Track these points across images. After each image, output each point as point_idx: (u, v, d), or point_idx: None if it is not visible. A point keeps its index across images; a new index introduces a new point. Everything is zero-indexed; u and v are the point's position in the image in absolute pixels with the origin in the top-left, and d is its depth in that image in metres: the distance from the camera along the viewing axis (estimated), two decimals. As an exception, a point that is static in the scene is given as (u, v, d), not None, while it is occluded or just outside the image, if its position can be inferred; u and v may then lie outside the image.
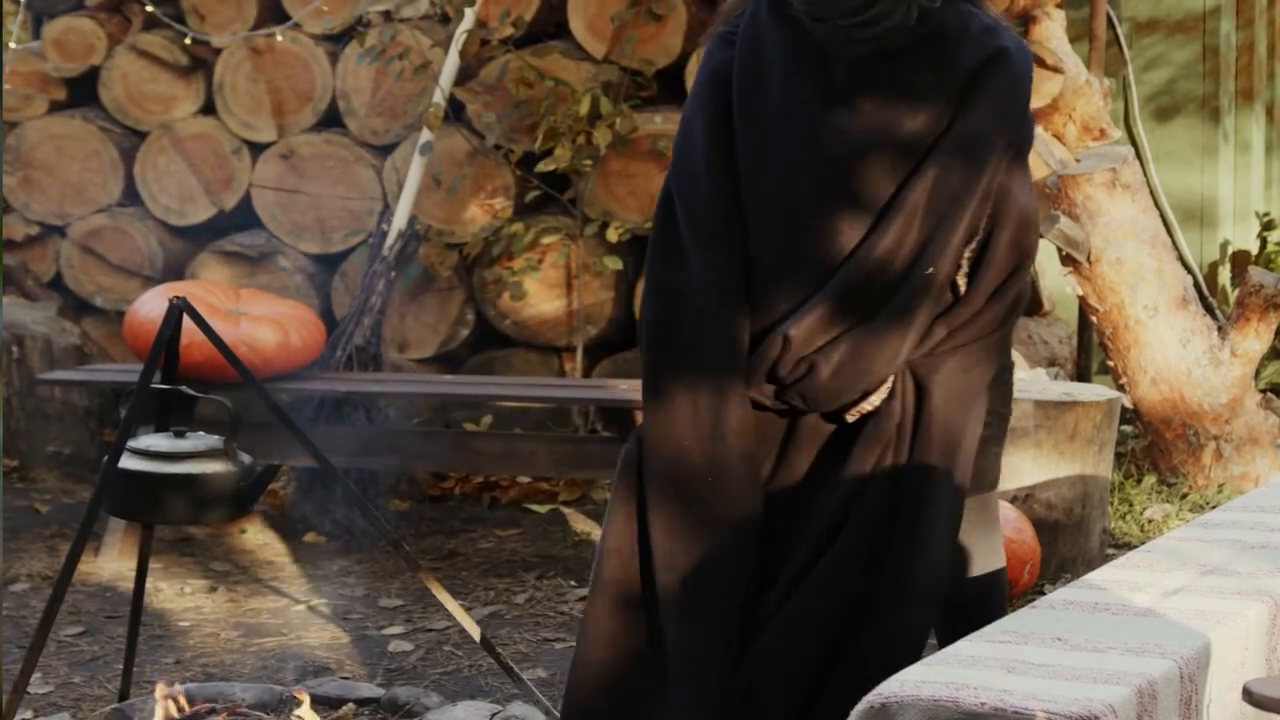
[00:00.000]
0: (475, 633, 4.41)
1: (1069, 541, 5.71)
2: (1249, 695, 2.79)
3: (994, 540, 3.77)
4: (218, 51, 7.47)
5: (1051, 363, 7.09)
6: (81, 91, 7.77)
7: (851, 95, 3.49)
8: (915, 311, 3.48)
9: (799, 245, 3.52)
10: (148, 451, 4.12)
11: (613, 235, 6.80)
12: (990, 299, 3.55)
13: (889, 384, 3.53)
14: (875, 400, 3.53)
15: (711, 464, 3.55)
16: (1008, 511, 5.43)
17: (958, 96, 3.48)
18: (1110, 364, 6.68)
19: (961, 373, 3.56)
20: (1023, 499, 5.67)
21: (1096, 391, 5.87)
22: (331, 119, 7.36)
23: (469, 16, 6.86)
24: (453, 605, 4.40)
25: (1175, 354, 6.52)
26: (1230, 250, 8.07)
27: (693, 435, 3.55)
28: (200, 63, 7.55)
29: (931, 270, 3.47)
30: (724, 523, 3.54)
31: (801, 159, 3.51)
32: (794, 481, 3.59)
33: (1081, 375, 7.29)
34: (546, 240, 6.90)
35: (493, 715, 4.38)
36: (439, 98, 6.85)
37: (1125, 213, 6.53)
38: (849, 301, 3.48)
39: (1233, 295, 7.61)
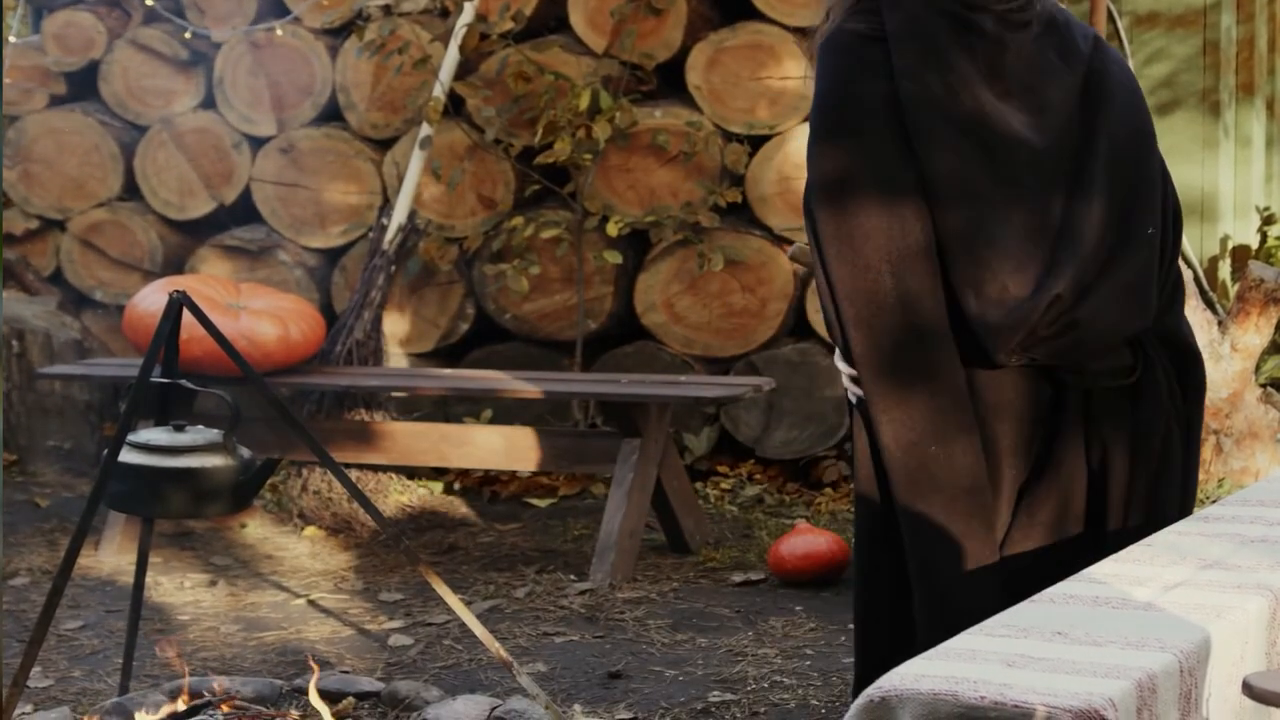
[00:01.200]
0: (475, 627, 4.41)
1: (1069, 536, 5.70)
2: (1249, 689, 2.79)
3: None
4: (217, 46, 7.46)
5: (1051, 357, 7.09)
6: (81, 86, 7.77)
7: (1017, 74, 3.76)
8: (1152, 267, 3.86)
9: (1010, 219, 3.74)
10: (147, 445, 4.12)
11: (612, 229, 6.80)
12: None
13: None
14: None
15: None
16: (1008, 506, 5.43)
17: (1083, 76, 3.80)
18: (1110, 358, 6.67)
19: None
20: (1023, 493, 5.67)
21: (1096, 386, 5.87)
22: (331, 113, 7.36)
23: (469, 10, 6.86)
24: (452, 599, 4.41)
25: (1175, 348, 6.52)
26: (1230, 245, 8.07)
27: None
28: (200, 57, 7.55)
29: (1152, 231, 3.85)
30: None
31: (998, 139, 3.74)
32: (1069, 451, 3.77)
33: (1081, 370, 7.29)
34: (546, 234, 6.90)
35: (492, 709, 4.38)
36: (439, 92, 6.85)
37: (1125, 207, 6.52)
38: (1089, 263, 3.74)
39: (1233, 290, 7.61)
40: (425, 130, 6.87)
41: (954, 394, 3.76)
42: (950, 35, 3.80)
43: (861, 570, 3.87)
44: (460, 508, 6.68)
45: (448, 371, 6.77)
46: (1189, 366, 3.95)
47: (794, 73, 6.77)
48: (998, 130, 3.77)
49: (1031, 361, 3.71)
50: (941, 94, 3.76)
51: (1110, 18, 7.68)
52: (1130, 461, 3.80)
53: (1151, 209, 3.90)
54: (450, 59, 6.89)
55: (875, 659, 3.78)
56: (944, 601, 3.74)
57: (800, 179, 6.76)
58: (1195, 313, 6.57)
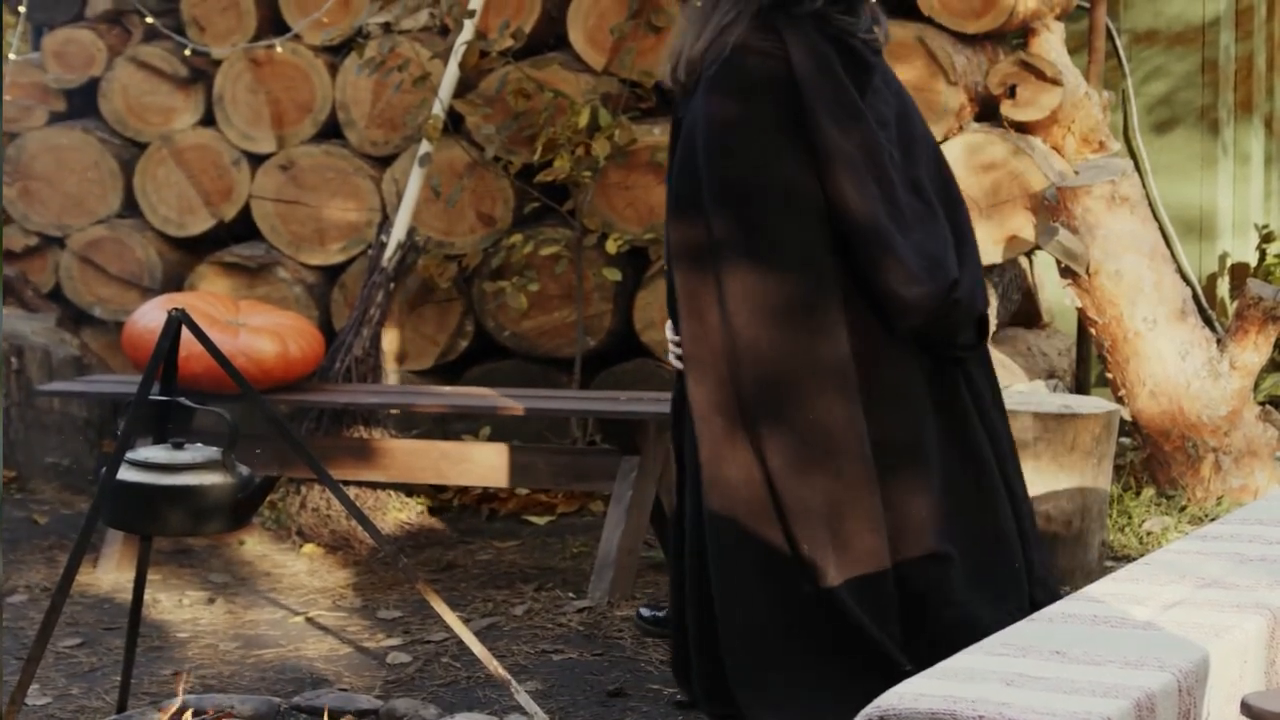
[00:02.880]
0: (473, 645, 4.40)
1: (1067, 554, 5.70)
2: (1247, 709, 2.79)
3: None
4: (217, 63, 7.47)
5: (1050, 375, 7.09)
6: (81, 103, 7.78)
7: (880, 92, 4.64)
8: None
9: (908, 213, 4.56)
10: (146, 463, 4.12)
11: (611, 247, 6.80)
12: None
13: None
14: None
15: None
16: (1006, 524, 5.43)
17: (899, 92, 4.75)
18: (1109, 376, 6.68)
19: None
20: (1021, 511, 5.67)
21: (1095, 404, 5.87)
22: (331, 130, 7.37)
23: (468, 28, 6.87)
24: (450, 617, 4.40)
25: (1174, 366, 6.53)
26: (1229, 262, 8.08)
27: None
28: (200, 74, 7.56)
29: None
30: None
31: (881, 144, 4.55)
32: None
33: (1080, 387, 7.29)
34: (545, 252, 6.90)
35: (491, 727, 4.38)
36: (438, 109, 6.85)
37: (1124, 225, 6.53)
38: (959, 246, 4.63)
39: (1232, 307, 7.61)
40: (425, 147, 6.88)
41: (843, 373, 4.44)
42: (838, 57, 4.55)
43: (731, 548, 4.42)
44: (458, 525, 6.68)
45: (446, 389, 6.77)
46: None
47: (793, 90, 6.77)
48: (877, 139, 4.54)
49: (922, 335, 4.51)
50: (838, 111, 4.49)
51: (1109, 35, 7.69)
52: (988, 400, 4.69)
53: (963, 205, 4.77)
54: (450, 76, 6.90)
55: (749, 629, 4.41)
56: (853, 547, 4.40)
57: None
58: (1194, 330, 6.58)
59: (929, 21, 6.75)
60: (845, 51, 4.56)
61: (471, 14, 6.87)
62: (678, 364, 4.58)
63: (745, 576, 4.43)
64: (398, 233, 6.85)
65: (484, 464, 6.19)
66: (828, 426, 4.44)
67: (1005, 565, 4.57)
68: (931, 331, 4.53)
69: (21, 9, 7.74)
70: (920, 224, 4.57)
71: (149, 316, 6.24)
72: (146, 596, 5.11)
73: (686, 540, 4.57)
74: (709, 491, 4.46)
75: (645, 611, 5.31)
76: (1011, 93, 6.75)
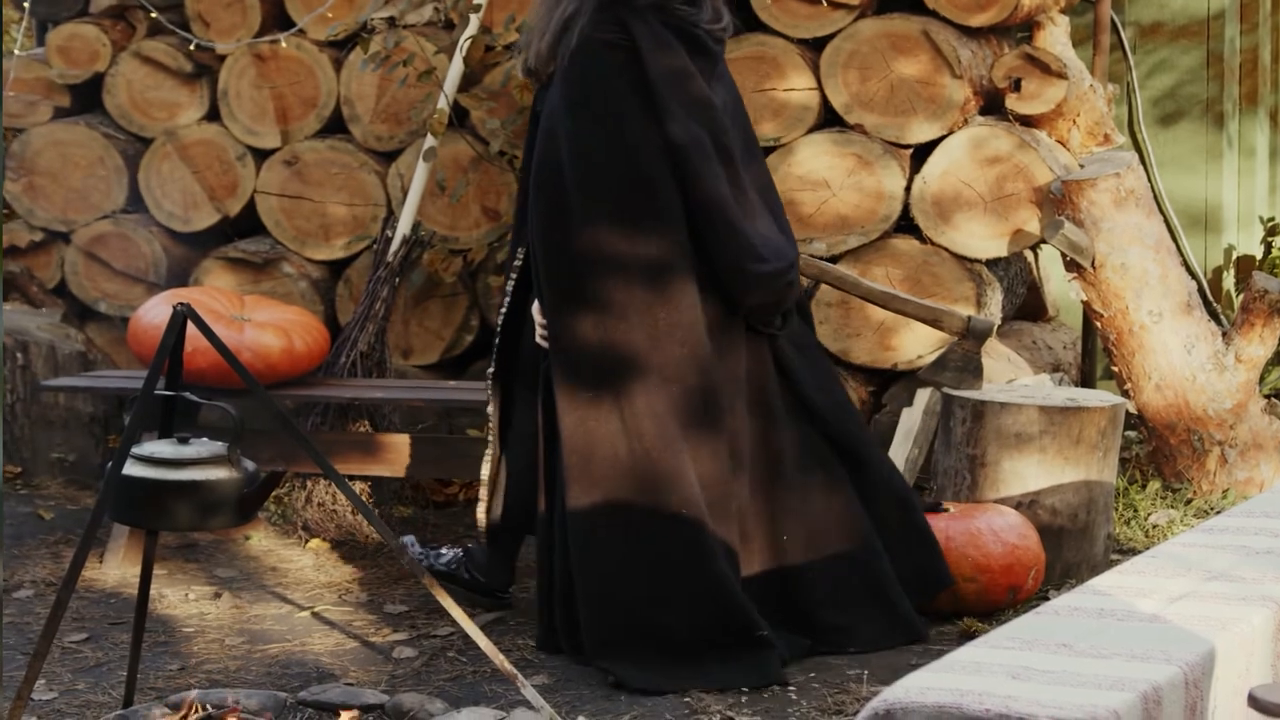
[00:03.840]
0: (479, 639, 4.40)
1: (1074, 547, 5.70)
2: (1255, 701, 2.79)
3: None
4: (222, 58, 7.47)
5: (1056, 368, 7.09)
6: (86, 98, 7.77)
7: (721, 79, 4.99)
8: None
9: (751, 197, 4.96)
10: (151, 458, 4.12)
11: (617, 241, 6.80)
12: None
13: None
14: None
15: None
16: (1012, 517, 5.43)
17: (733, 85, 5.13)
18: (1115, 369, 6.68)
19: None
20: (1027, 504, 5.67)
21: (1101, 397, 5.87)
22: (336, 125, 7.37)
23: (473, 23, 6.86)
24: (457, 612, 4.40)
25: (1180, 359, 6.52)
26: (1235, 255, 8.07)
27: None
28: (204, 69, 7.56)
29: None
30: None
31: (729, 131, 4.92)
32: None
33: (1086, 381, 7.29)
34: (550, 246, 6.89)
35: (497, 721, 4.38)
36: (443, 104, 6.85)
37: (1129, 218, 6.53)
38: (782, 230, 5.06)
39: (1237, 300, 7.61)
40: (430, 142, 6.88)
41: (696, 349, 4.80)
42: (684, 46, 4.83)
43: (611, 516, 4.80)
44: (464, 520, 6.67)
45: (451, 384, 6.77)
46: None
47: (798, 85, 6.77)
48: (725, 125, 4.89)
49: (757, 312, 4.93)
50: (685, 98, 4.80)
51: (1114, 28, 7.68)
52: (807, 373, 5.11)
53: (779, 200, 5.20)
54: (455, 71, 6.89)
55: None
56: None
57: (805, 191, 6.77)
58: (1199, 324, 6.58)
59: (934, 15, 6.75)
60: (690, 41, 4.85)
61: (476, 8, 6.86)
62: (544, 344, 4.99)
63: (612, 543, 4.79)
64: (403, 227, 6.85)
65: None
66: (688, 395, 4.80)
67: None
68: (768, 309, 4.97)
69: (26, 4, 7.74)
70: (761, 205, 4.97)
71: (154, 312, 6.24)
72: (152, 591, 5.11)
73: (557, 512, 4.93)
74: (577, 464, 4.80)
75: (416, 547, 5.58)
76: (1016, 86, 6.74)
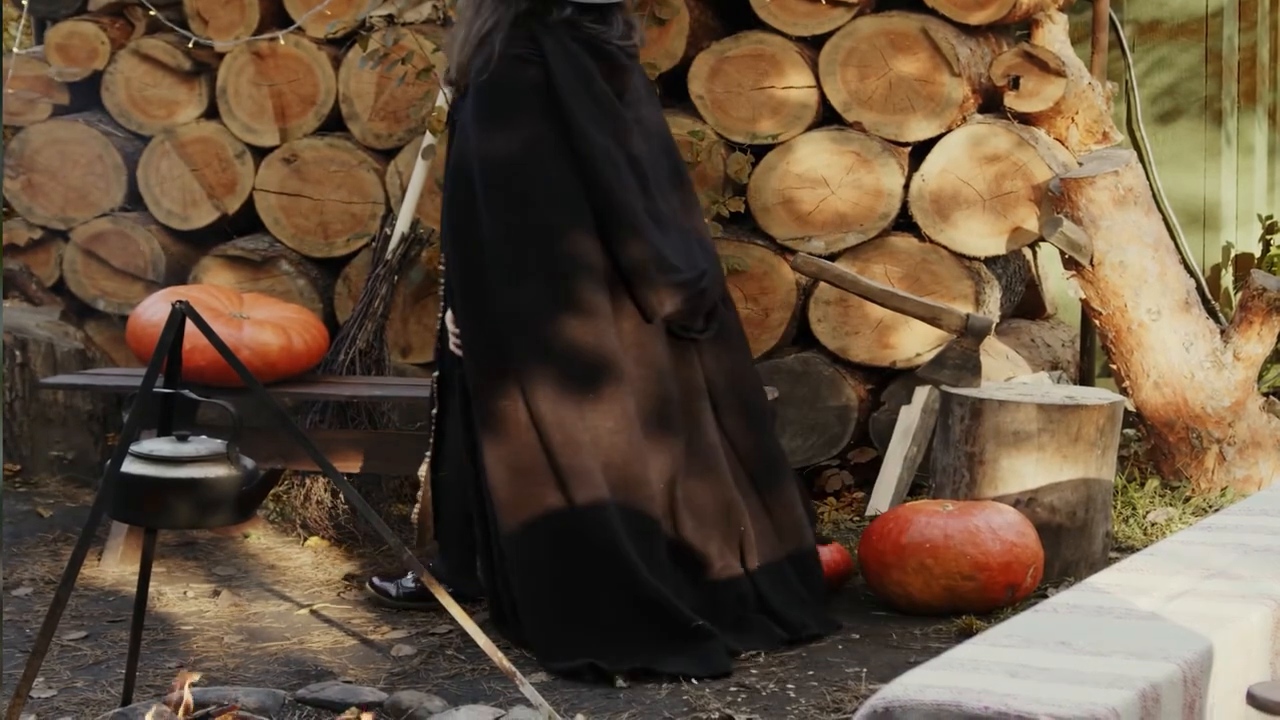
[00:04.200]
0: (478, 637, 4.41)
1: (1072, 545, 5.70)
2: (1253, 699, 2.79)
3: None
4: (220, 56, 7.47)
5: (1054, 366, 7.09)
6: (85, 96, 7.77)
7: (635, 96, 5.12)
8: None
9: (661, 208, 5.07)
10: (150, 456, 4.12)
11: (615, 239, 6.80)
12: None
13: None
14: None
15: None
16: (1011, 515, 5.43)
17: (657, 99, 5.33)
18: (1113, 367, 6.68)
19: None
20: (1026, 502, 5.67)
21: (1099, 395, 5.87)
22: (334, 123, 7.36)
23: (472, 20, 6.86)
24: (455, 609, 4.40)
25: (1178, 357, 6.53)
26: (1233, 253, 8.08)
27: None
28: (203, 67, 7.55)
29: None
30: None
31: (645, 144, 5.08)
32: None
33: (1084, 379, 7.29)
34: (549, 244, 6.90)
35: (495, 719, 4.38)
36: (442, 101, 6.85)
37: (1128, 216, 6.53)
38: (700, 243, 5.20)
39: (1235, 298, 7.61)
40: (428, 140, 6.87)
41: (608, 351, 4.91)
42: (593, 62, 4.98)
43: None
44: (463, 517, 6.68)
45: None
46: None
47: (797, 82, 6.77)
48: (635, 137, 5.03)
49: (672, 319, 5.04)
50: (595, 111, 4.96)
51: (1113, 26, 7.68)
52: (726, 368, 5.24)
53: (699, 206, 5.38)
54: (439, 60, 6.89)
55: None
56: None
57: (804, 189, 6.77)
58: (1198, 322, 6.58)
59: (932, 13, 6.75)
60: (602, 56, 5.02)
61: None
62: (458, 351, 5.13)
63: (529, 531, 4.92)
64: (401, 225, 6.85)
65: (488, 456, 6.18)
66: (598, 396, 4.93)
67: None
68: (681, 315, 5.07)
69: (25, 2, 7.74)
70: (674, 216, 5.04)
71: (153, 310, 6.24)
72: (151, 589, 5.11)
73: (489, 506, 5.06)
74: (495, 460, 4.95)
75: (378, 581, 5.66)
76: (1015, 84, 6.74)
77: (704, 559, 5.07)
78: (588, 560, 4.91)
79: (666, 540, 5.03)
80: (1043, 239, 6.71)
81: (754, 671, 4.92)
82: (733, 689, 4.77)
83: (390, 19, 7.13)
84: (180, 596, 5.77)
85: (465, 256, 5.07)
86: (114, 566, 6.06)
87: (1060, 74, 6.72)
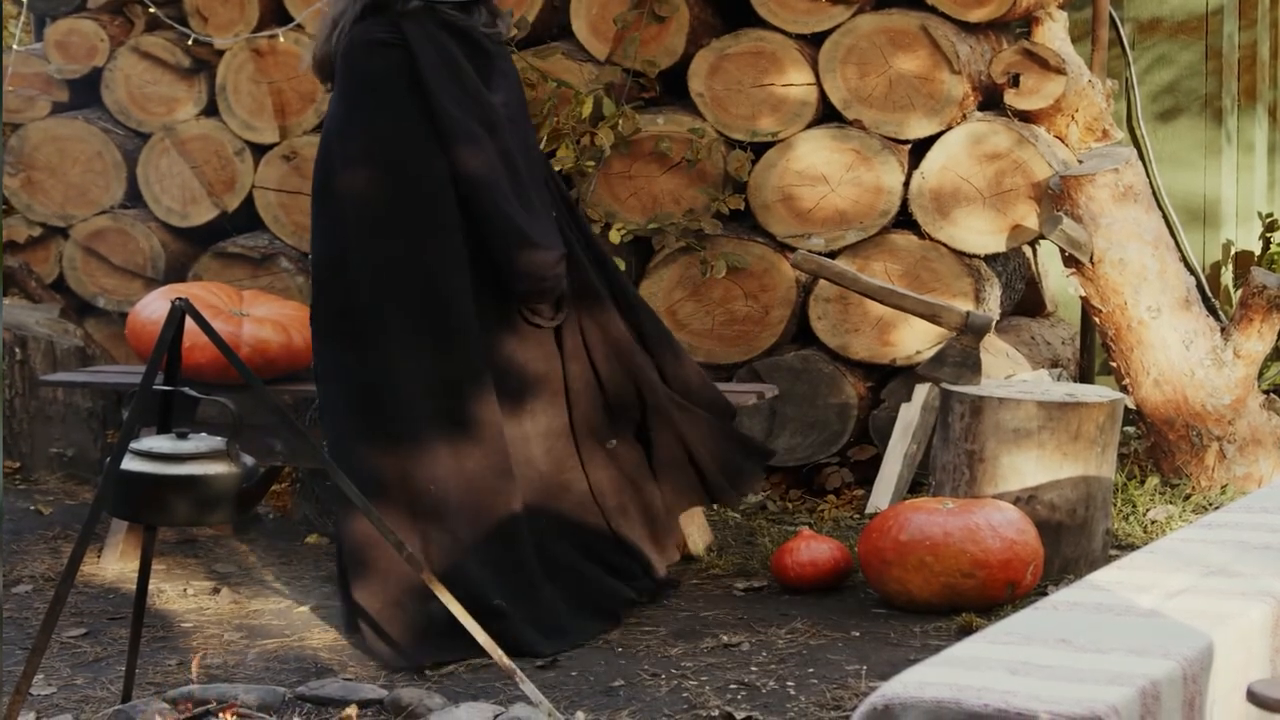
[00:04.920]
0: (478, 634, 4.41)
1: (1072, 542, 5.70)
2: (1253, 696, 2.80)
3: None
4: (220, 53, 7.47)
5: (1054, 364, 7.09)
6: (84, 93, 7.77)
7: (499, 80, 5.22)
8: None
9: (526, 194, 5.18)
10: (150, 453, 4.12)
11: (615, 236, 6.80)
12: None
13: None
14: None
15: None
16: (1011, 513, 5.43)
17: (518, 84, 5.39)
18: (1113, 365, 6.68)
19: None
20: (1026, 500, 5.67)
21: (1099, 392, 5.87)
22: (334, 120, 7.35)
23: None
24: (455, 607, 4.40)
25: (1178, 355, 6.53)
26: (1233, 251, 8.08)
27: None
28: (203, 64, 7.55)
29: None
30: None
31: (503, 129, 5.14)
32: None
33: (1084, 376, 7.29)
34: (549, 241, 6.90)
35: (495, 716, 4.38)
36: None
37: (1128, 214, 6.53)
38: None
39: (1236, 296, 7.61)
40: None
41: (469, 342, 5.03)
42: (458, 46, 5.08)
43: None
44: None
45: (450, 378, 6.75)
46: None
47: (797, 80, 6.77)
48: (500, 120, 5.11)
49: (529, 298, 5.14)
50: (458, 93, 5.04)
51: (1113, 24, 7.68)
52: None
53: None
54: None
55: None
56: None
57: (804, 186, 6.77)
58: (1198, 319, 6.58)
59: (932, 10, 6.75)
60: (465, 41, 5.10)
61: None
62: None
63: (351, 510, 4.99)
64: (401, 223, 6.84)
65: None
66: (438, 381, 5.05)
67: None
68: (539, 295, 5.19)
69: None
70: (538, 196, 5.22)
71: (152, 307, 6.24)
72: (151, 587, 5.11)
73: None
74: (334, 446, 5.07)
75: None
76: (1015, 81, 6.74)
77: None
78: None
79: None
80: (1043, 236, 6.71)
81: (754, 669, 4.92)
82: (732, 686, 4.78)
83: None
84: (180, 594, 5.77)
85: (325, 242, 5.20)
86: (114, 564, 6.06)
87: (1060, 71, 6.71)
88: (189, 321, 4.19)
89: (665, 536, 5.54)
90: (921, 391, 6.34)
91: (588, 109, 6.74)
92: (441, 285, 5.11)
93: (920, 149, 6.80)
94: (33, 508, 6.79)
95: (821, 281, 6.68)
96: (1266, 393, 6.91)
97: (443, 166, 5.09)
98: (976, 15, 6.76)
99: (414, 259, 5.12)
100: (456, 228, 5.13)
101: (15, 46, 7.80)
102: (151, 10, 7.50)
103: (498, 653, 4.41)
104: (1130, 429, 6.94)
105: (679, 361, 5.59)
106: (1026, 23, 7.04)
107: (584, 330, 5.37)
